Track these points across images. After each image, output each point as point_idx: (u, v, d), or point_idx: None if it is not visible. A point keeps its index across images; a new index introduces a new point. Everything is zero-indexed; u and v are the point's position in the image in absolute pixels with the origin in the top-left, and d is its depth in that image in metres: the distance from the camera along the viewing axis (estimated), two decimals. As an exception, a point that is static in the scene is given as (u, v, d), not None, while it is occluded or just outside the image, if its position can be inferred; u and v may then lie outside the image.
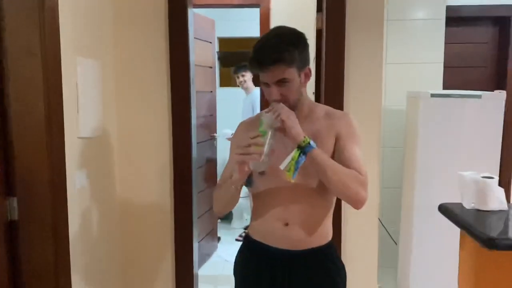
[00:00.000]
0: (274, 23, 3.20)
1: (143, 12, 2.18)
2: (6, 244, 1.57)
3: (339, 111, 1.54)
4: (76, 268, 1.74)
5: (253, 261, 1.50)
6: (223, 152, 4.71)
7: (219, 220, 4.48)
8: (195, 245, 2.37)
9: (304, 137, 1.30)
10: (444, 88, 3.02)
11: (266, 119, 1.31)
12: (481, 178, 1.39)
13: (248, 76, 4.30)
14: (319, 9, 2.31)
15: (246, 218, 4.83)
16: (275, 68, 1.34)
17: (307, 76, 1.43)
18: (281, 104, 1.34)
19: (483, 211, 1.36)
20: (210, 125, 3.87)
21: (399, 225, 2.63)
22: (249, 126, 1.53)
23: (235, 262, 1.60)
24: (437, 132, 2.28)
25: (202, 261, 3.68)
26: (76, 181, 1.78)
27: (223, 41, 4.99)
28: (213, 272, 3.61)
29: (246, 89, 4.34)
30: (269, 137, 1.29)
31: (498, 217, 1.33)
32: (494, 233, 1.19)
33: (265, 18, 3.18)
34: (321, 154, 1.32)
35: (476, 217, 1.34)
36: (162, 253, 2.29)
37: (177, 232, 2.28)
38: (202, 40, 3.55)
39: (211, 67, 3.84)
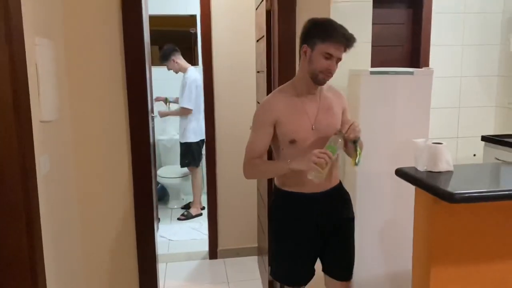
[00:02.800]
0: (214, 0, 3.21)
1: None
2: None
3: (334, 87, 1.94)
4: (47, 255, 1.70)
5: (291, 205, 1.87)
6: (160, 133, 4.67)
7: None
8: (155, 225, 2.39)
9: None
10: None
11: (337, 143, 1.70)
12: (432, 144, 1.61)
13: (180, 58, 4.23)
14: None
15: (183, 198, 4.86)
16: (347, 49, 1.71)
17: None
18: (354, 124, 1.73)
19: (435, 172, 1.59)
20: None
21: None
22: (276, 104, 1.81)
23: (273, 211, 1.96)
24: (375, 106, 2.52)
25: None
26: (42, 166, 1.71)
27: (152, 19, 4.87)
28: (160, 251, 3.62)
29: (181, 70, 4.26)
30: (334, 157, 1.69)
31: (448, 176, 1.57)
32: (451, 189, 1.41)
33: (205, -4, 3.18)
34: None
35: (431, 177, 1.56)
36: (124, 234, 2.29)
37: (138, 213, 2.29)
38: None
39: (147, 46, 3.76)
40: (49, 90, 1.82)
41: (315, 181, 1.68)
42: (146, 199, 2.29)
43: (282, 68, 2.30)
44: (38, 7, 1.75)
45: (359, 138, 1.76)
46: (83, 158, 2.19)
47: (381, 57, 3.81)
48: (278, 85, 2.30)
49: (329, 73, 1.73)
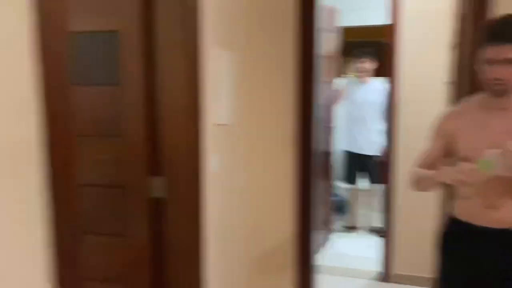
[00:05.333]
0: (407, 7, 3.01)
1: (273, 5, 2.23)
2: (150, 220, 1.72)
3: None
4: (208, 248, 1.85)
5: (460, 237, 1.66)
6: (339, 143, 4.63)
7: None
8: (314, 236, 2.37)
9: None
10: None
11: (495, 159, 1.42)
12: None
13: (368, 64, 4.08)
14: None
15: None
16: (509, 47, 1.40)
17: None
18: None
19: None
20: (328, 116, 3.82)
21: None
22: (458, 115, 1.65)
23: (440, 238, 1.75)
24: None
25: (316, 251, 3.67)
26: (212, 165, 1.87)
27: (346, 30, 4.88)
28: (327, 263, 3.57)
29: (362, 78, 4.12)
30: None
31: None
32: None
33: (396, 3, 3.01)
34: None
35: None
36: (282, 242, 2.35)
37: (297, 223, 2.32)
38: (326, 31, 3.50)
39: (333, 57, 3.79)
40: (224, 97, 1.98)
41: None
42: (306, 208, 2.30)
43: (473, 80, 1.98)
44: (219, 24, 1.93)
45: None
46: (251, 161, 2.32)
47: None
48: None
49: (494, 81, 1.46)
